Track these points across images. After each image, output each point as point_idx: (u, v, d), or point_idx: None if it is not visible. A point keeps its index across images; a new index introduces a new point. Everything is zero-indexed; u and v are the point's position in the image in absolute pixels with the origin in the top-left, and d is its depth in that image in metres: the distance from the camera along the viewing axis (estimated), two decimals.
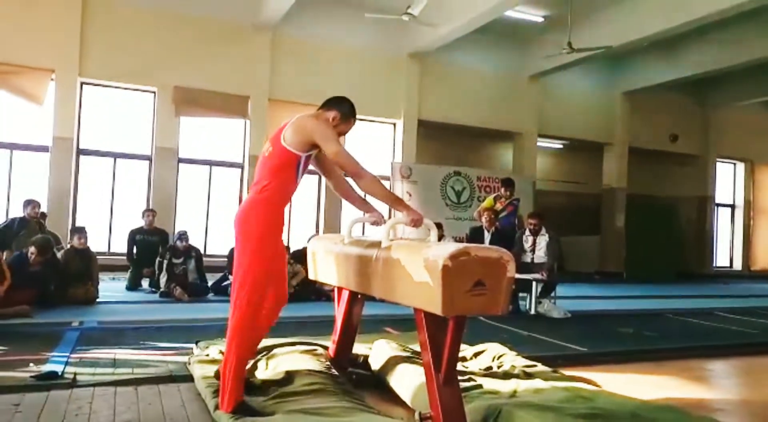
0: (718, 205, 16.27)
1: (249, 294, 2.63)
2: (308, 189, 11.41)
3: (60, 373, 3.26)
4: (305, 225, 11.01)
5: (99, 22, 9.56)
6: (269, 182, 2.74)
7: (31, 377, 3.15)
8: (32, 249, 5.89)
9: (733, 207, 16.68)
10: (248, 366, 3.31)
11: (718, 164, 16.12)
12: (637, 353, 4.61)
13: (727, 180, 16.64)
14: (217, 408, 2.65)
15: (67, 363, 3.51)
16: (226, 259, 7.28)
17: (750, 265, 16.52)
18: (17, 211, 8.80)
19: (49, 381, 3.10)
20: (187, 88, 10.05)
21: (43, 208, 7.74)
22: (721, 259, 16.48)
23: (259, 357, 3.48)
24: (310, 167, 2.95)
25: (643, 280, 12.54)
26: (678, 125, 15.14)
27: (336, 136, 2.81)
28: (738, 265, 16.53)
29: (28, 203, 7.05)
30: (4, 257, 5.86)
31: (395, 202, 2.87)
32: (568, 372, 3.60)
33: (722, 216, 16.50)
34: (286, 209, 2.86)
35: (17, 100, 9.14)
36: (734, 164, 16.66)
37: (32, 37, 9.08)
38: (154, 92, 10.07)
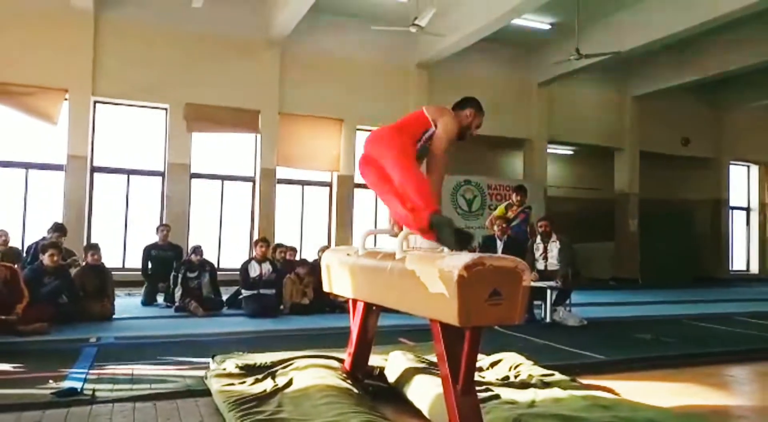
0: (733, 208, 16.10)
1: None
2: (319, 201, 11.46)
3: (79, 390, 3.28)
4: (317, 237, 11.03)
5: (110, 41, 9.70)
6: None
7: (51, 394, 3.18)
8: (50, 251, 5.98)
9: (748, 210, 16.49)
10: (264, 379, 3.33)
11: (731, 167, 15.98)
12: (656, 360, 4.55)
13: (742, 183, 16.48)
14: (236, 420, 2.66)
15: (85, 380, 3.54)
16: (239, 273, 7.32)
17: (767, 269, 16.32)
18: (33, 228, 8.97)
19: (68, 398, 3.12)
20: (199, 105, 10.15)
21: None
22: (737, 263, 16.29)
23: (275, 369, 3.48)
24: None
25: (659, 286, 12.42)
26: (690, 128, 15.04)
27: (451, 136, 3.14)
28: (755, 269, 16.32)
29: (56, 229, 7.13)
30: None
31: (436, 190, 2.97)
32: (586, 381, 3.57)
33: (737, 220, 16.32)
34: None
35: (32, 120, 9.27)
36: (748, 166, 16.50)
37: (46, 58, 9.23)
38: (166, 109, 10.18)
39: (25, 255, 7.49)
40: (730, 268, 15.90)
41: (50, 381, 3.46)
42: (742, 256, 16.43)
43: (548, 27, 11.54)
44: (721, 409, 3.35)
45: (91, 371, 3.79)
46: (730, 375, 4.36)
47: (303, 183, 11.42)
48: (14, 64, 9.04)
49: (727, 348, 5.15)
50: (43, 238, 7.09)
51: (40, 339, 5.03)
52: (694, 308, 8.43)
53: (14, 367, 3.92)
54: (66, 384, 3.41)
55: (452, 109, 3.34)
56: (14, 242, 7.94)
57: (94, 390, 3.29)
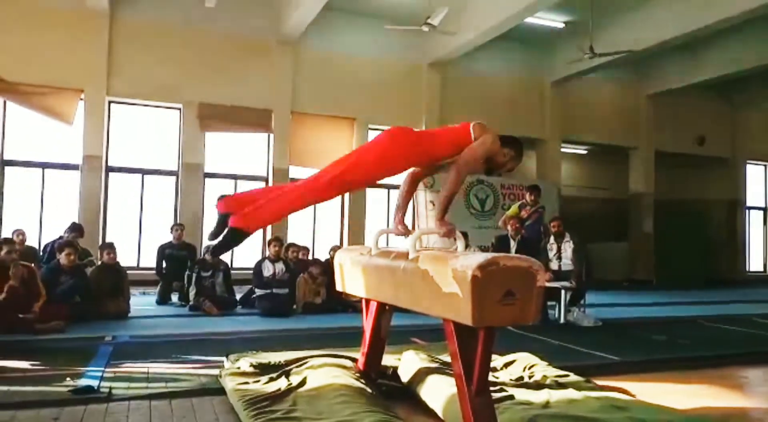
0: (750, 208, 15.90)
1: None
2: (332, 200, 11.45)
3: (96, 387, 3.32)
4: (329, 237, 11.06)
5: (125, 41, 9.79)
6: None
7: (69, 391, 3.22)
8: (66, 251, 6.07)
9: (765, 210, 16.26)
10: (278, 378, 3.35)
11: (748, 166, 15.78)
12: (671, 361, 4.52)
13: (759, 182, 16.26)
14: (250, 419, 2.67)
15: (102, 378, 3.58)
16: (252, 272, 7.36)
17: None
18: (50, 227, 9.09)
19: (86, 395, 3.16)
20: (212, 104, 10.21)
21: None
22: (754, 264, 16.08)
23: (289, 368, 3.50)
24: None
25: (674, 287, 12.29)
26: (705, 127, 14.87)
27: (486, 155, 2.88)
28: None
29: (74, 228, 7.23)
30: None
31: (443, 208, 2.86)
32: (600, 382, 3.55)
33: (754, 220, 16.10)
34: None
35: (48, 120, 9.38)
36: (765, 166, 16.27)
37: (61, 59, 9.34)
38: (180, 109, 10.26)
39: (41, 254, 7.58)
40: (747, 269, 15.70)
41: (67, 378, 3.51)
42: (759, 257, 16.20)
43: (562, 25, 11.47)
44: (737, 411, 3.31)
45: (107, 369, 3.83)
46: (745, 377, 4.32)
47: None
48: (31, 64, 9.15)
49: (744, 350, 5.08)
50: (60, 238, 7.18)
51: (56, 338, 5.09)
52: (709, 309, 8.34)
53: (32, 365, 3.98)
54: (83, 381, 3.45)
55: None
56: (31, 241, 8.06)
57: (110, 388, 3.32)
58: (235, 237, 2.67)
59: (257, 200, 2.76)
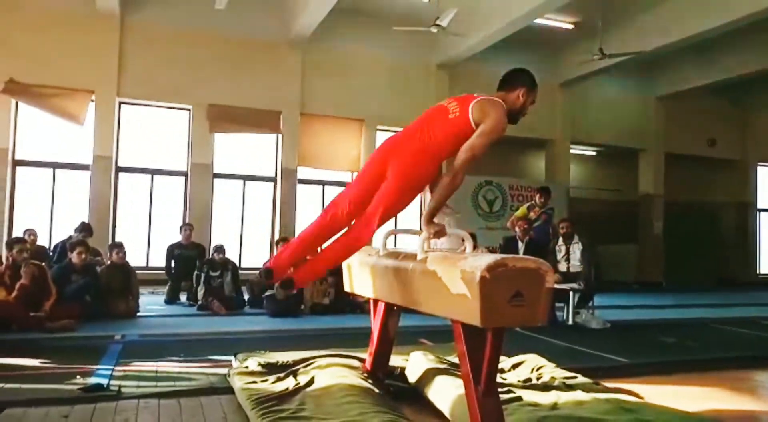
0: (761, 210, 15.78)
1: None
2: None
3: (105, 386, 3.35)
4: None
5: (136, 43, 9.86)
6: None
7: (79, 389, 3.25)
8: (78, 249, 6.12)
9: None
10: (286, 377, 3.36)
11: (759, 168, 15.66)
12: (681, 364, 4.49)
13: None
14: (259, 418, 2.69)
15: (111, 376, 3.61)
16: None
17: None
18: (60, 227, 9.16)
19: (95, 393, 3.19)
20: (221, 105, 10.26)
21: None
22: (765, 266, 15.95)
23: (296, 368, 3.51)
24: None
25: (684, 289, 12.23)
26: (716, 129, 14.79)
27: (494, 137, 2.67)
28: None
29: (83, 228, 7.29)
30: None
31: (432, 211, 2.73)
32: (609, 384, 3.53)
33: (765, 222, 15.99)
34: None
35: (59, 121, 9.46)
36: None
37: (73, 60, 9.42)
38: (189, 110, 10.32)
39: (51, 253, 7.64)
40: (758, 272, 15.58)
41: (77, 376, 3.53)
42: None
43: (571, 26, 11.43)
44: (747, 414, 3.29)
45: (116, 367, 3.86)
46: (756, 380, 4.29)
47: (323, 183, 11.47)
48: (42, 66, 9.23)
49: (754, 353, 5.04)
50: (70, 237, 7.23)
51: (67, 336, 5.13)
52: (719, 312, 8.29)
53: (42, 363, 4.01)
54: (92, 380, 3.48)
55: (498, 90, 2.92)
56: (41, 240, 8.12)
57: (120, 386, 3.34)
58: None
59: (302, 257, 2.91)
